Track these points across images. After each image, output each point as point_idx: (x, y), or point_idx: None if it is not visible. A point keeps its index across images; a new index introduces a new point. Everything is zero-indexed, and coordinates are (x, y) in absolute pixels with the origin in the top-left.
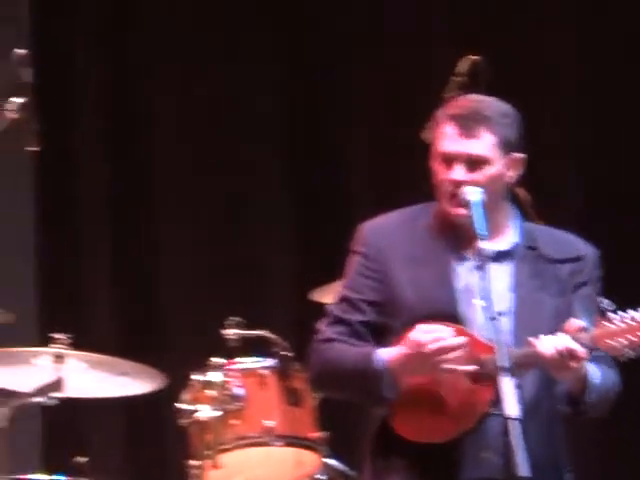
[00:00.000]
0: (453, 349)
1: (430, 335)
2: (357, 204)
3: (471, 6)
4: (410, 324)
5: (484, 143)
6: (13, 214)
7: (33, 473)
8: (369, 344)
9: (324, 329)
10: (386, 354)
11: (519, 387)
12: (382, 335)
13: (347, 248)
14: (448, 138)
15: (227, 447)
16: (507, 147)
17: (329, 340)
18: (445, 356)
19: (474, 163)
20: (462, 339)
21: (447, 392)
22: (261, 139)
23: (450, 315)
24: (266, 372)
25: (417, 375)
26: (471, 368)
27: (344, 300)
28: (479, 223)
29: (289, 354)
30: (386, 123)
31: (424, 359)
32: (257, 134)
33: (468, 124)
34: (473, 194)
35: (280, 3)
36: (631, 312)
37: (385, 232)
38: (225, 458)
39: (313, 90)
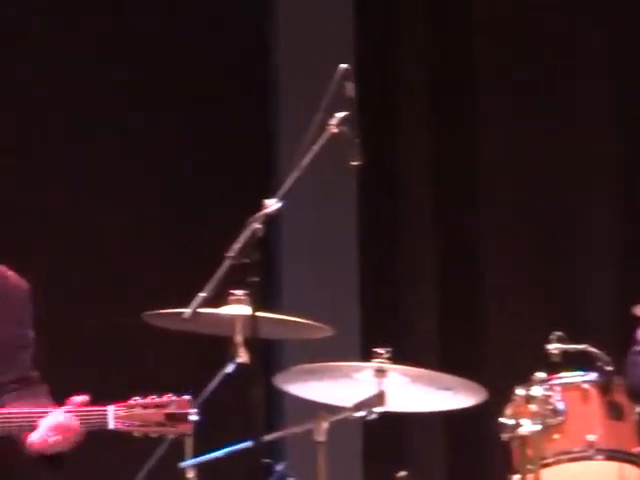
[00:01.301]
0: None
1: None
2: None
3: None
4: None
5: None
6: (336, 229)
7: None
8: None
9: None
10: None
11: None
12: None
13: None
14: None
15: (548, 462)
16: None
17: None
18: None
19: None
20: None
21: None
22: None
23: None
24: (588, 386)
25: None
26: None
27: None
28: None
29: (611, 368)
30: None
31: None
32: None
33: None
34: None
35: None
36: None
37: None
38: (546, 473)
39: None
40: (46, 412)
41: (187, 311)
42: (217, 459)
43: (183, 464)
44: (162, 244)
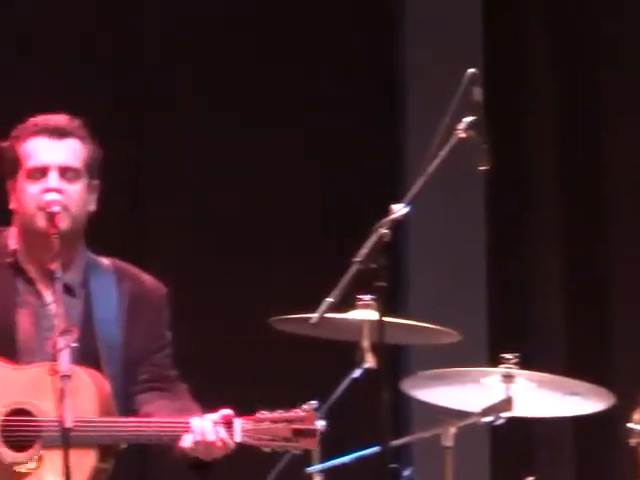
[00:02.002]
0: None
1: None
2: None
3: None
4: None
5: None
6: (464, 233)
7: None
8: None
9: None
10: None
11: None
12: None
13: None
14: None
15: None
16: None
17: None
18: None
19: None
20: None
21: None
22: None
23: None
24: None
25: None
26: None
27: None
28: None
29: None
30: None
31: None
32: None
33: None
34: None
35: None
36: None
37: None
38: None
39: None
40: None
41: (314, 316)
42: (344, 464)
43: (310, 469)
44: (290, 249)
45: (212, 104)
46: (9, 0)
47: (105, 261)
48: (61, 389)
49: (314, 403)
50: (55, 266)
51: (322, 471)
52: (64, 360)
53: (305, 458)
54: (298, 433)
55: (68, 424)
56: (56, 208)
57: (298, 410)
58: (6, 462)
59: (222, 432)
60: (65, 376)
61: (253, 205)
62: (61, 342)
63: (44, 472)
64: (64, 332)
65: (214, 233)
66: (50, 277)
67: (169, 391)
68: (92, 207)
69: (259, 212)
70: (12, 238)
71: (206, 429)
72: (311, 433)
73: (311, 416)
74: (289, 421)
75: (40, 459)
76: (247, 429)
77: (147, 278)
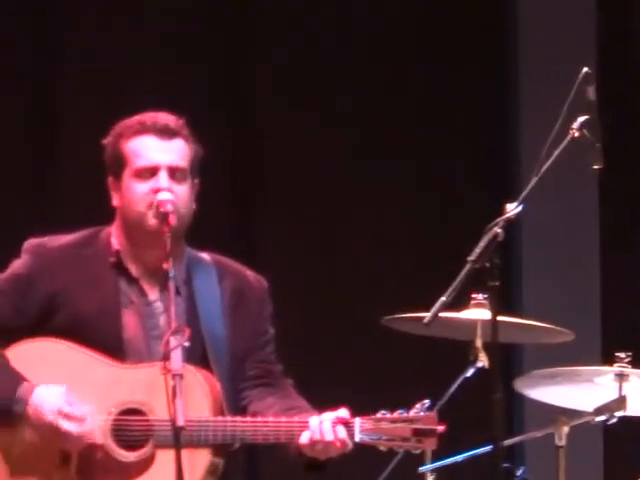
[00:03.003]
0: None
1: None
2: None
3: None
4: None
5: None
6: (577, 233)
7: None
8: None
9: None
10: None
11: None
12: None
13: None
14: None
15: None
16: None
17: None
18: None
19: None
20: None
21: None
22: None
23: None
24: None
25: None
26: None
27: None
28: None
29: None
30: None
31: None
32: None
33: None
34: None
35: None
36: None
37: None
38: None
39: None
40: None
41: (428, 315)
42: (457, 463)
43: (423, 468)
44: (403, 248)
45: (317, 101)
46: None
47: (206, 257)
48: (173, 388)
49: (427, 402)
50: (168, 265)
51: (434, 470)
52: (176, 359)
53: (418, 457)
54: (418, 433)
55: (180, 423)
56: (169, 207)
57: (418, 410)
58: (118, 461)
59: (342, 432)
60: (177, 375)
61: (364, 204)
62: (173, 341)
63: (156, 471)
64: (176, 331)
65: (325, 232)
66: (154, 275)
67: (276, 387)
68: (194, 206)
69: (370, 211)
70: (114, 237)
71: (325, 429)
72: (431, 433)
73: (431, 416)
74: (409, 421)
75: (152, 458)
76: (366, 428)
77: (249, 273)
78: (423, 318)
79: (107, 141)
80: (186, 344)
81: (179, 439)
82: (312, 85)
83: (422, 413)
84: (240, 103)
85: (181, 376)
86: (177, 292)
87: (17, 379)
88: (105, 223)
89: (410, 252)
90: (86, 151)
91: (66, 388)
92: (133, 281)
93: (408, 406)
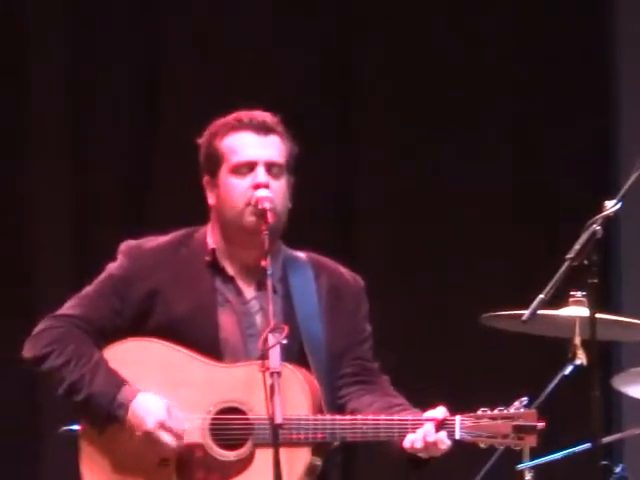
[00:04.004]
0: None
1: None
2: None
3: None
4: None
5: None
6: None
7: None
8: None
9: None
10: None
11: None
12: None
13: None
14: None
15: None
16: None
17: None
18: None
19: None
20: None
21: None
22: None
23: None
24: None
25: None
26: None
27: None
28: None
29: None
30: None
31: None
32: None
33: None
34: None
35: None
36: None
37: None
38: None
39: None
40: (420, 421)
41: (526, 313)
42: (555, 461)
43: (520, 466)
44: (502, 246)
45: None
46: None
47: (301, 255)
48: (271, 386)
49: (525, 399)
50: (266, 263)
51: (532, 468)
52: (274, 357)
53: (515, 455)
54: (518, 430)
55: (278, 420)
56: (267, 204)
57: (519, 407)
58: (217, 460)
59: (442, 433)
60: (275, 373)
61: (461, 204)
62: (271, 339)
63: (255, 471)
64: (274, 329)
65: (423, 232)
66: (250, 274)
67: (373, 384)
68: (290, 204)
69: (467, 211)
70: (210, 236)
71: (427, 429)
72: (532, 430)
73: (532, 413)
74: (509, 418)
75: (251, 457)
76: (467, 426)
77: (344, 271)
78: (522, 316)
79: (202, 140)
80: (284, 342)
81: (277, 437)
82: (405, 89)
83: (522, 410)
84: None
85: (279, 374)
86: (274, 290)
87: (118, 382)
88: (201, 224)
89: (510, 250)
90: (183, 151)
91: (168, 399)
92: (229, 280)
93: (506, 404)
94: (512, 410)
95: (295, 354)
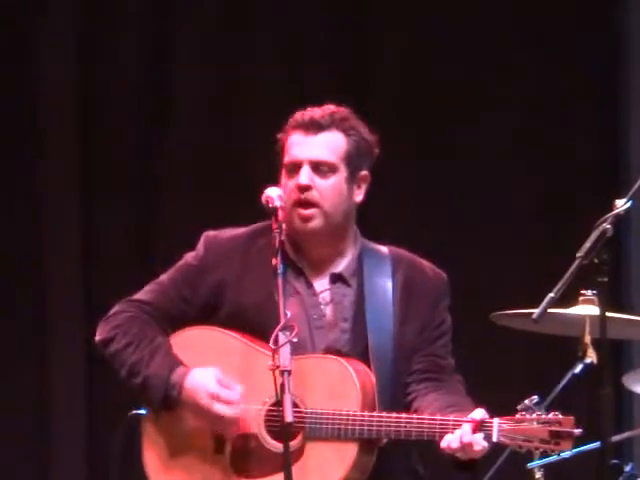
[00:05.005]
0: None
1: None
2: None
3: None
4: None
5: None
6: None
7: None
8: None
9: None
10: None
11: None
12: None
13: None
14: None
15: None
16: None
17: None
18: None
19: None
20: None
21: None
22: None
23: None
24: None
25: None
26: None
27: None
28: None
29: None
30: None
31: None
32: None
33: None
34: None
35: None
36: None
37: None
38: None
39: None
40: (460, 422)
41: (536, 311)
42: (565, 459)
43: (531, 464)
44: (511, 245)
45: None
46: None
47: (383, 249)
48: (282, 384)
49: (535, 398)
50: (276, 261)
51: (542, 466)
52: (285, 355)
53: (525, 453)
54: (555, 435)
55: (289, 419)
56: (277, 203)
57: (557, 413)
58: (271, 452)
59: (478, 435)
60: (286, 371)
61: (470, 202)
62: (282, 338)
63: (305, 464)
64: (284, 327)
65: (433, 232)
66: (320, 267)
67: (442, 382)
68: (358, 199)
69: (478, 209)
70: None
71: (464, 430)
72: (569, 436)
73: (570, 420)
74: (547, 423)
75: (302, 450)
76: (505, 429)
77: (427, 265)
78: (532, 314)
79: (279, 136)
80: (294, 340)
81: (288, 435)
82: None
83: (560, 416)
84: None
85: (289, 372)
86: (347, 284)
87: (172, 363)
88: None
89: (519, 249)
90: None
91: (219, 369)
92: (299, 272)
93: (516, 402)
94: (550, 415)
95: (360, 349)
